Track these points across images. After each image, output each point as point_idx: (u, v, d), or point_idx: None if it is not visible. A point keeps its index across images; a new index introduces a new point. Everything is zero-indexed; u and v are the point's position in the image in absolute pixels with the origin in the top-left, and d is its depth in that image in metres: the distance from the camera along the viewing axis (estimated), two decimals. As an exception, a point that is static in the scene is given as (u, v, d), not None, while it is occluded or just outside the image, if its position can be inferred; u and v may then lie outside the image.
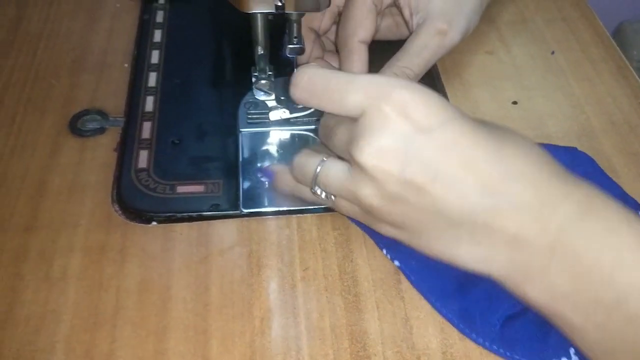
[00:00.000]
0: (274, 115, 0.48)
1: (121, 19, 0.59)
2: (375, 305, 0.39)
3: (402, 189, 0.33)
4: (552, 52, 0.57)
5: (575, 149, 0.47)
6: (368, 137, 0.33)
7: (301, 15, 0.43)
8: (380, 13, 0.48)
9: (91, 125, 0.49)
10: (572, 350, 0.37)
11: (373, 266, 0.41)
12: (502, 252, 0.33)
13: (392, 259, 0.41)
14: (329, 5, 0.41)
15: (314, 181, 0.38)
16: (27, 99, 0.51)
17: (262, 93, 0.48)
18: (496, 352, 0.37)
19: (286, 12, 0.41)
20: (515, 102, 0.52)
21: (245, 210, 0.43)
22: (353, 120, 0.35)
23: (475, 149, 0.33)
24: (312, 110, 0.47)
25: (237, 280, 0.40)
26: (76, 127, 0.49)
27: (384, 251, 0.41)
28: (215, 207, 0.43)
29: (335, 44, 0.50)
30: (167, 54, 0.55)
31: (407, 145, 0.33)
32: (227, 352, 0.37)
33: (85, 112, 0.50)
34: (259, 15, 0.42)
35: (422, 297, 0.39)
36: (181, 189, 0.44)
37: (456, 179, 0.33)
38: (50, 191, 0.45)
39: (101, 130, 0.49)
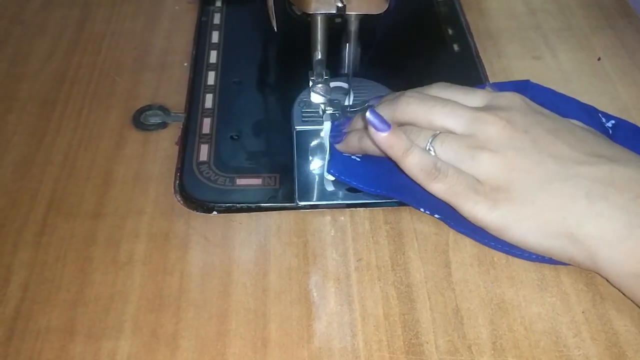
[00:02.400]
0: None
1: (180, 20, 0.61)
2: (427, 296, 0.40)
3: (531, 125, 0.40)
4: (599, 59, 0.58)
5: (527, 81, 0.50)
6: (499, 110, 0.41)
7: (360, 18, 0.44)
8: None
9: (153, 120, 0.51)
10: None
11: (424, 259, 0.42)
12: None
13: (432, 214, 0.44)
14: (387, 7, 0.43)
15: (429, 141, 0.41)
16: (92, 95, 0.54)
17: (319, 97, 0.49)
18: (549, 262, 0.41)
19: (346, 13, 0.42)
20: (562, 106, 0.53)
21: (301, 203, 0.45)
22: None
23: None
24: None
25: (294, 268, 0.42)
26: (139, 121, 0.51)
27: (422, 209, 0.44)
28: (273, 199, 0.45)
29: None
30: (224, 54, 0.57)
31: (531, 117, 0.41)
32: (285, 334, 0.39)
33: (148, 108, 0.52)
34: (319, 18, 0.44)
35: (472, 290, 0.41)
36: (240, 181, 0.46)
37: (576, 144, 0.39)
38: (115, 181, 0.47)
39: (163, 125, 0.51)
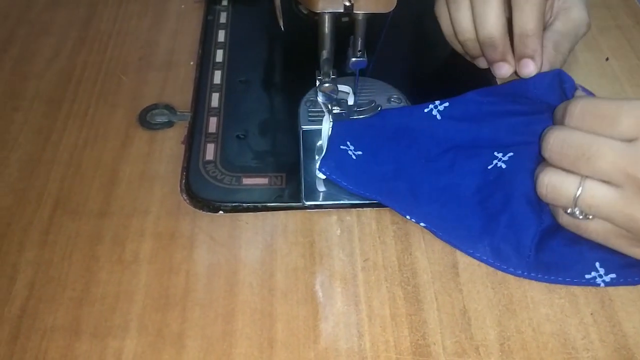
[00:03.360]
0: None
1: (186, 19, 0.61)
2: (434, 297, 0.40)
3: None
4: (607, 59, 0.57)
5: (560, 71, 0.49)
6: None
7: (367, 17, 0.44)
8: None
9: (159, 119, 0.51)
10: (597, 264, 0.40)
11: (431, 259, 0.42)
12: None
13: (418, 222, 0.43)
14: (394, 6, 0.43)
15: (575, 201, 0.38)
16: (98, 94, 0.54)
17: (325, 96, 0.49)
18: (535, 279, 0.41)
19: (354, 12, 0.42)
20: (570, 107, 0.53)
21: (307, 203, 0.45)
22: (623, 141, 0.36)
23: None
24: (369, 114, 0.49)
25: (300, 268, 0.42)
26: (145, 120, 0.51)
27: (408, 217, 0.44)
28: (279, 198, 0.45)
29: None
30: (230, 53, 0.57)
31: None
32: (292, 335, 0.38)
33: (154, 107, 0.52)
34: (327, 17, 0.44)
35: (480, 291, 0.40)
36: (246, 180, 0.46)
37: None
38: (121, 180, 0.47)
39: (169, 124, 0.51)
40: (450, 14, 0.51)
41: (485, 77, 0.54)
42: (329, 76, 0.48)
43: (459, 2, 0.50)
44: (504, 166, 0.44)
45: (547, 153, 0.40)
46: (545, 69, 0.49)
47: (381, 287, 0.41)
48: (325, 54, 0.47)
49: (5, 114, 0.52)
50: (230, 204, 0.45)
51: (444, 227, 0.43)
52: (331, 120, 0.48)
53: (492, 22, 0.48)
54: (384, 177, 0.46)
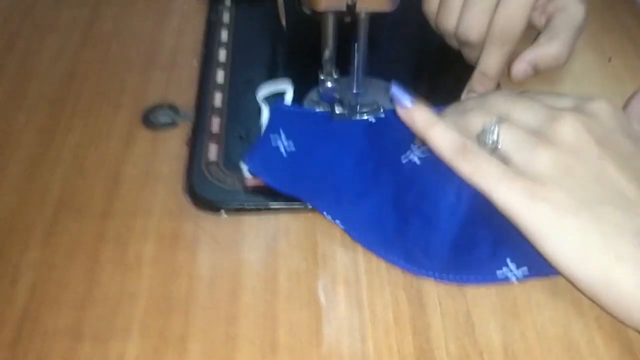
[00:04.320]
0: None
1: (189, 19, 0.61)
2: (438, 301, 0.40)
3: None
4: (610, 59, 0.57)
5: None
6: (582, 113, 0.38)
7: (370, 16, 0.44)
8: None
9: (163, 119, 0.51)
10: (508, 260, 0.40)
11: (435, 262, 0.42)
12: None
13: (334, 219, 0.43)
14: (397, 6, 0.42)
15: (495, 120, 0.39)
16: (102, 93, 0.54)
17: (328, 96, 0.49)
18: (448, 280, 0.40)
19: (356, 11, 0.42)
20: (575, 108, 0.52)
21: (311, 206, 0.45)
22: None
23: None
24: (374, 114, 0.49)
25: (303, 271, 0.42)
26: (149, 120, 0.51)
27: (324, 213, 0.43)
28: (282, 200, 0.45)
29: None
30: (233, 52, 0.57)
31: (611, 133, 0.37)
32: (295, 339, 0.38)
33: (157, 107, 0.52)
34: (329, 17, 0.44)
35: (484, 295, 0.40)
36: (250, 182, 0.46)
37: None
38: (124, 180, 0.47)
39: (172, 124, 0.51)
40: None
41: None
42: (332, 76, 0.47)
43: None
44: (418, 162, 0.43)
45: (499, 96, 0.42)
46: (550, 64, 0.48)
47: (384, 290, 0.41)
48: (327, 53, 0.46)
49: (8, 113, 0.52)
50: (233, 206, 0.45)
51: (360, 229, 0.42)
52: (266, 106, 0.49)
53: (474, 24, 0.47)
54: (311, 176, 0.45)
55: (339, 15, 0.44)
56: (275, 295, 0.40)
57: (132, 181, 0.47)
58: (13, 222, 0.45)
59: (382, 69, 0.52)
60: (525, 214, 0.36)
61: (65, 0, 0.64)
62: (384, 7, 0.42)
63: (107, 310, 0.40)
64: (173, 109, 0.52)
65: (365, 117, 0.49)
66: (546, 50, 0.47)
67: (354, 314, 0.39)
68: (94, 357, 0.38)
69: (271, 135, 0.47)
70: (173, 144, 0.49)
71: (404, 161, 0.44)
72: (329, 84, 0.48)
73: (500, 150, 0.38)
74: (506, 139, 0.38)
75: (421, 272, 0.41)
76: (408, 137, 0.44)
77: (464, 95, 0.50)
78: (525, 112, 0.40)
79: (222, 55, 0.56)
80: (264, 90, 0.50)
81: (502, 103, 0.41)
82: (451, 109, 0.44)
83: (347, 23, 0.44)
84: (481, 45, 0.48)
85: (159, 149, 0.49)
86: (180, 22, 0.61)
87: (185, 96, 0.53)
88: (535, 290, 0.40)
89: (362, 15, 0.44)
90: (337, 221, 0.43)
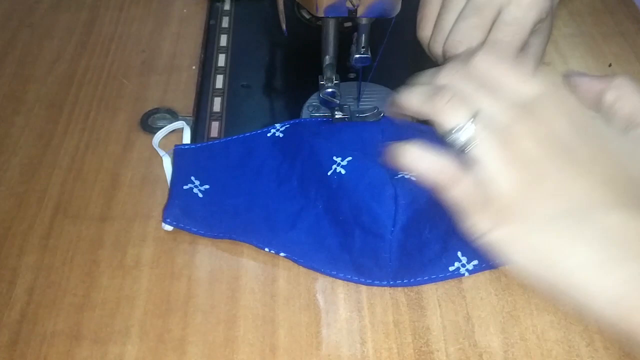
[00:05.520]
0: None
1: (188, 24, 0.61)
2: (437, 303, 0.40)
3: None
4: (610, 65, 0.57)
5: None
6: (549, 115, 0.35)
7: (371, 21, 0.44)
8: None
9: (161, 123, 0.51)
10: (459, 253, 0.41)
11: (435, 265, 0.42)
12: None
13: (278, 252, 0.42)
14: (398, 12, 0.43)
15: (473, 117, 0.36)
16: (100, 97, 0.54)
17: (328, 101, 0.49)
18: (402, 285, 0.40)
19: (357, 17, 0.42)
20: (573, 113, 0.53)
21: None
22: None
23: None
24: (373, 119, 0.49)
25: (302, 274, 0.41)
26: (147, 124, 0.51)
27: (267, 249, 0.42)
28: (281, 203, 0.45)
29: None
30: (232, 57, 0.57)
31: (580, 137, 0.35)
32: (294, 341, 0.38)
33: (156, 111, 0.52)
34: (330, 22, 0.44)
35: (484, 297, 0.40)
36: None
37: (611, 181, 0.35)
38: (123, 184, 0.47)
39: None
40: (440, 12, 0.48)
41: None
42: (332, 81, 0.47)
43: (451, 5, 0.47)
44: (343, 171, 0.42)
45: (467, 67, 0.38)
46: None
47: (384, 293, 0.40)
48: (328, 59, 0.47)
49: (7, 117, 0.52)
50: (231, 209, 0.45)
51: (304, 252, 0.42)
52: (170, 154, 0.47)
53: (463, 38, 0.46)
54: (236, 210, 0.44)
55: (340, 21, 0.44)
56: (274, 298, 0.40)
57: (130, 185, 0.47)
58: (11, 226, 0.44)
59: (383, 74, 0.52)
60: (493, 237, 0.35)
61: (63, 5, 0.64)
62: (386, 13, 0.42)
63: (106, 312, 0.40)
64: (172, 113, 0.52)
65: (273, 132, 0.48)
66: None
67: (354, 316, 0.39)
68: (93, 359, 0.37)
69: (179, 186, 0.45)
70: (171, 147, 0.49)
71: (329, 174, 0.43)
72: (329, 89, 0.48)
73: (468, 154, 0.38)
74: (473, 148, 0.37)
75: (374, 283, 0.40)
76: (328, 148, 0.44)
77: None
78: (489, 105, 0.36)
79: (222, 60, 0.56)
80: (159, 136, 0.48)
81: (466, 83, 0.38)
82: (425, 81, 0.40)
83: (347, 28, 0.44)
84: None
85: (157, 153, 0.49)
86: (180, 27, 0.61)
87: (184, 100, 0.53)
88: (535, 293, 0.40)
89: (364, 21, 0.44)
90: (282, 253, 0.42)
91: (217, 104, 0.52)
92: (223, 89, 0.54)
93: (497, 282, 0.41)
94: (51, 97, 0.54)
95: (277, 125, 0.48)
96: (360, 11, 0.41)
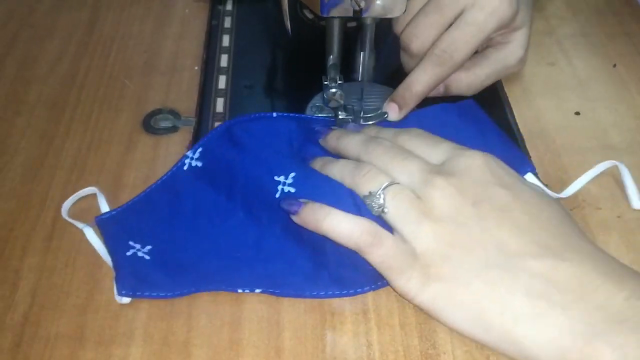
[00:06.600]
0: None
1: (190, 24, 0.61)
2: (444, 305, 0.40)
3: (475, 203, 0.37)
4: (614, 65, 0.57)
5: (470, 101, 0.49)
6: (454, 175, 0.38)
7: (376, 21, 0.44)
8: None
9: (164, 124, 0.51)
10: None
11: (441, 267, 0.42)
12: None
13: (252, 290, 0.40)
14: (404, 12, 0.42)
15: (382, 187, 0.38)
16: (102, 98, 0.54)
17: (332, 101, 0.49)
18: (384, 285, 0.40)
19: (362, 16, 0.42)
20: (577, 113, 0.52)
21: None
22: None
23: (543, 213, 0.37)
24: (377, 120, 0.49)
25: (307, 276, 0.41)
26: (150, 125, 0.51)
27: (240, 290, 0.40)
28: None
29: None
30: (235, 57, 0.57)
31: (486, 189, 0.37)
32: (299, 344, 0.38)
33: (158, 112, 0.52)
34: (334, 22, 0.44)
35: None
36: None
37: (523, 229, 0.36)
38: (125, 185, 0.47)
39: (174, 129, 0.51)
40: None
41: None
42: (336, 81, 0.47)
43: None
44: (292, 190, 0.41)
45: (378, 146, 0.42)
46: (461, 89, 0.49)
47: (390, 295, 0.40)
48: (332, 59, 0.46)
49: (8, 118, 0.52)
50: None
51: (279, 283, 0.40)
52: (91, 225, 0.43)
53: (419, 32, 0.47)
54: (191, 262, 0.41)
55: (344, 20, 0.44)
56: (279, 300, 0.40)
57: (133, 186, 0.47)
58: (13, 227, 0.44)
59: (387, 74, 0.52)
60: (424, 297, 0.37)
61: (65, 5, 0.63)
62: (390, 13, 0.42)
63: (110, 315, 0.39)
64: (174, 113, 0.52)
65: (188, 162, 0.45)
66: (460, 76, 0.48)
67: (360, 318, 0.39)
68: (96, 362, 0.37)
69: (120, 254, 0.41)
70: (174, 149, 0.49)
71: (277, 196, 0.41)
72: (333, 90, 0.47)
73: (387, 216, 0.38)
74: (391, 208, 0.38)
75: (357, 291, 0.40)
76: (264, 168, 0.42)
77: (385, 107, 0.48)
78: (402, 175, 0.39)
79: (224, 60, 0.56)
80: (67, 205, 0.45)
81: (382, 157, 0.41)
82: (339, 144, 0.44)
83: (351, 28, 0.44)
84: (419, 58, 0.47)
85: (160, 154, 0.49)
86: (181, 27, 0.61)
87: (186, 101, 0.53)
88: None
89: (368, 21, 0.44)
90: (257, 290, 0.40)
91: (219, 104, 0.52)
92: (226, 89, 0.53)
93: (503, 284, 0.40)
94: (53, 98, 0.54)
95: (189, 153, 0.45)
96: (365, 12, 0.41)
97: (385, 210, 0.38)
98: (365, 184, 0.39)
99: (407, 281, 0.37)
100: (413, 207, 0.38)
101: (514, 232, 0.36)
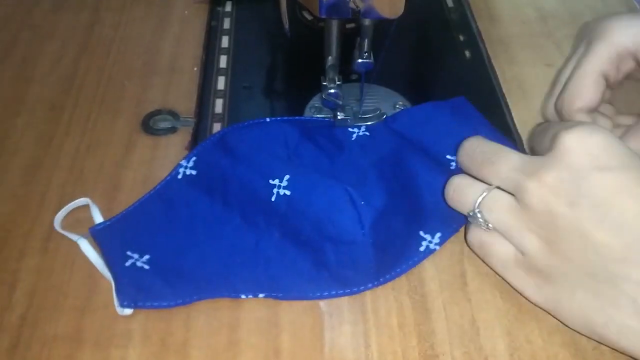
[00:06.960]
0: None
1: (189, 25, 0.61)
2: (442, 306, 0.40)
3: (567, 229, 0.35)
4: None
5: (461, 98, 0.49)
6: (546, 170, 0.35)
7: (374, 23, 0.44)
8: (613, 85, 0.47)
9: (163, 125, 0.51)
10: (421, 232, 0.42)
11: (439, 268, 0.42)
12: None
13: (256, 295, 0.40)
14: (401, 13, 0.42)
15: (478, 203, 0.38)
16: (101, 99, 0.54)
17: (330, 102, 0.49)
18: (385, 282, 0.40)
19: (360, 17, 0.42)
20: (576, 114, 0.52)
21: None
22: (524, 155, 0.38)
23: None
24: (375, 120, 0.49)
25: (306, 277, 0.41)
26: (149, 126, 0.51)
27: (243, 296, 0.40)
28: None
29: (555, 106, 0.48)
30: (234, 59, 0.57)
31: (581, 181, 0.34)
32: (298, 344, 0.38)
33: (157, 112, 0.52)
34: (333, 23, 0.44)
35: (489, 300, 0.40)
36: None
37: (626, 226, 0.33)
38: (124, 186, 0.47)
39: (173, 130, 0.51)
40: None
41: (490, 85, 0.54)
42: (335, 82, 0.47)
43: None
44: (288, 192, 0.41)
45: (460, 157, 0.41)
46: None
47: (388, 296, 0.40)
48: (330, 60, 0.46)
49: (7, 118, 0.52)
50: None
51: (281, 286, 0.40)
52: (86, 236, 0.42)
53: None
54: (190, 269, 0.41)
55: (342, 22, 0.44)
56: (277, 300, 0.40)
57: (131, 188, 0.47)
58: (11, 228, 0.44)
59: (385, 75, 0.52)
60: (539, 301, 0.38)
61: (64, 6, 0.63)
62: (389, 15, 0.42)
63: (108, 316, 0.39)
64: (173, 114, 0.52)
65: (182, 171, 0.45)
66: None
67: (358, 319, 0.39)
68: (94, 363, 0.37)
69: (119, 265, 0.41)
70: (173, 149, 0.49)
71: (273, 199, 0.41)
72: (332, 91, 0.47)
73: (494, 228, 0.38)
74: (492, 221, 0.38)
75: (355, 290, 0.40)
76: (258, 173, 0.42)
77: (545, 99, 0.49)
78: (494, 179, 0.38)
79: (223, 61, 0.56)
80: (60, 216, 0.44)
81: (474, 168, 0.40)
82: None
83: (349, 29, 0.44)
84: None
85: (159, 155, 0.49)
86: (181, 28, 0.61)
87: (185, 102, 0.53)
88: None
89: (367, 22, 0.44)
90: (260, 295, 0.40)
91: (219, 105, 0.52)
92: (225, 90, 0.53)
93: (502, 284, 0.40)
94: (52, 99, 0.54)
95: (184, 162, 0.46)
96: (363, 13, 0.41)
97: (490, 226, 0.38)
98: (460, 205, 0.40)
99: (523, 284, 0.38)
100: (510, 219, 0.37)
101: (614, 232, 0.33)
